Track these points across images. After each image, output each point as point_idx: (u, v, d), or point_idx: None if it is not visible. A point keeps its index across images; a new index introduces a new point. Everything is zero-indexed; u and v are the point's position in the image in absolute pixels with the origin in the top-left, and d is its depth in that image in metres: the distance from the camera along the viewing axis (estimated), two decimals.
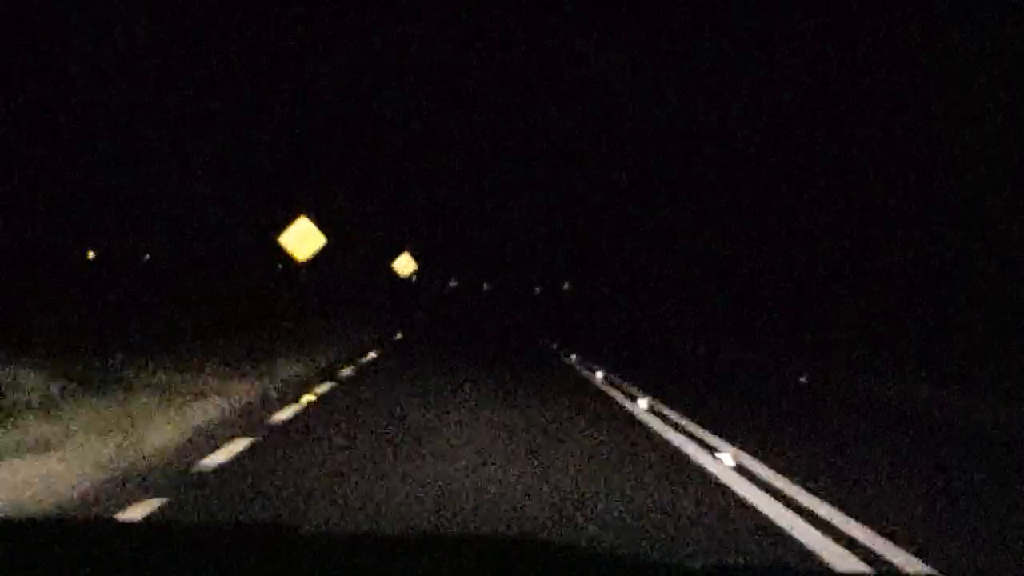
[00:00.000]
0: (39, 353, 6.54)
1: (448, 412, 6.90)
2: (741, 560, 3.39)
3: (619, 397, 8.73)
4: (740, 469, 5.14)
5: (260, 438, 5.35)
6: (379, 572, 1.44)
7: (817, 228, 23.25)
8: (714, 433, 6.40)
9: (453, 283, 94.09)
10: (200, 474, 4.35)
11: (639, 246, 43.66)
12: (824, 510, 4.23)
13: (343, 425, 6.07)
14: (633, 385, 9.66)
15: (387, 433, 5.82)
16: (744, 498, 4.44)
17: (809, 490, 4.61)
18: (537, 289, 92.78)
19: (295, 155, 28.90)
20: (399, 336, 17.39)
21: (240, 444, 5.08)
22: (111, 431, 4.75)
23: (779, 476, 4.93)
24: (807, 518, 4.08)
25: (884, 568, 3.42)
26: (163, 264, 32.83)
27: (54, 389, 5.45)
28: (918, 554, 3.56)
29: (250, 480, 4.29)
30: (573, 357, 14.07)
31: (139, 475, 4.19)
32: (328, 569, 1.42)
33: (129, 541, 1.55)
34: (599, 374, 11.02)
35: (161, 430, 5.08)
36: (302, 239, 16.38)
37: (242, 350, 9.66)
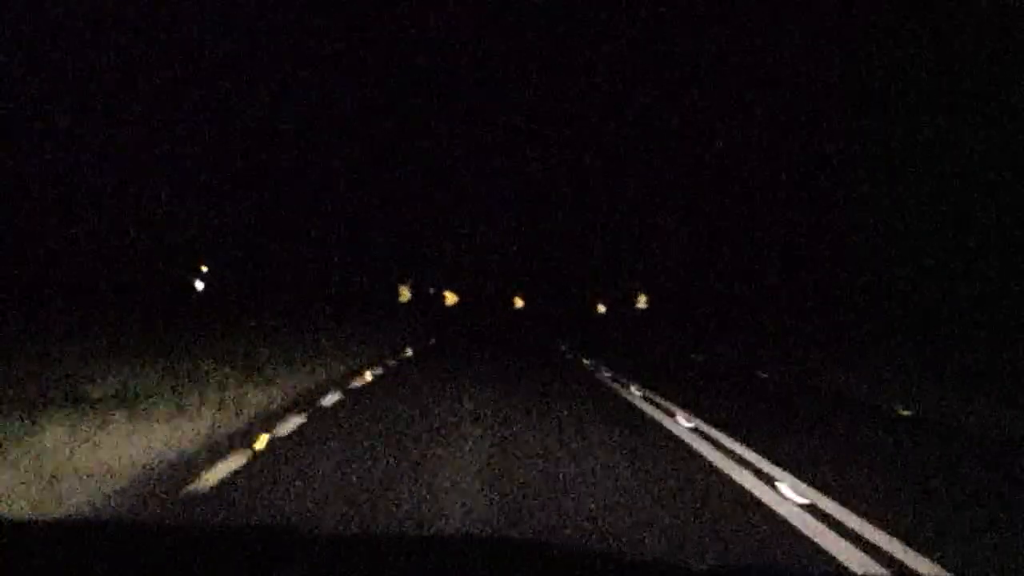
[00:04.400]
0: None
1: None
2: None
3: None
4: None
5: (386, 367, 10.73)
6: (379, 572, 1.48)
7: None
8: None
9: (452, 299, 56.76)
10: (364, 385, 9.53)
11: (748, 247, 33.49)
12: None
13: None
14: None
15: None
16: None
17: None
18: (602, 307, 71.62)
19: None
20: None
21: (379, 367, 10.40)
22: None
23: None
24: None
25: None
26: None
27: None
28: None
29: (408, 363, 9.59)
30: None
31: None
32: (328, 570, 1.46)
33: (129, 543, 1.56)
34: None
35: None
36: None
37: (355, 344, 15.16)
